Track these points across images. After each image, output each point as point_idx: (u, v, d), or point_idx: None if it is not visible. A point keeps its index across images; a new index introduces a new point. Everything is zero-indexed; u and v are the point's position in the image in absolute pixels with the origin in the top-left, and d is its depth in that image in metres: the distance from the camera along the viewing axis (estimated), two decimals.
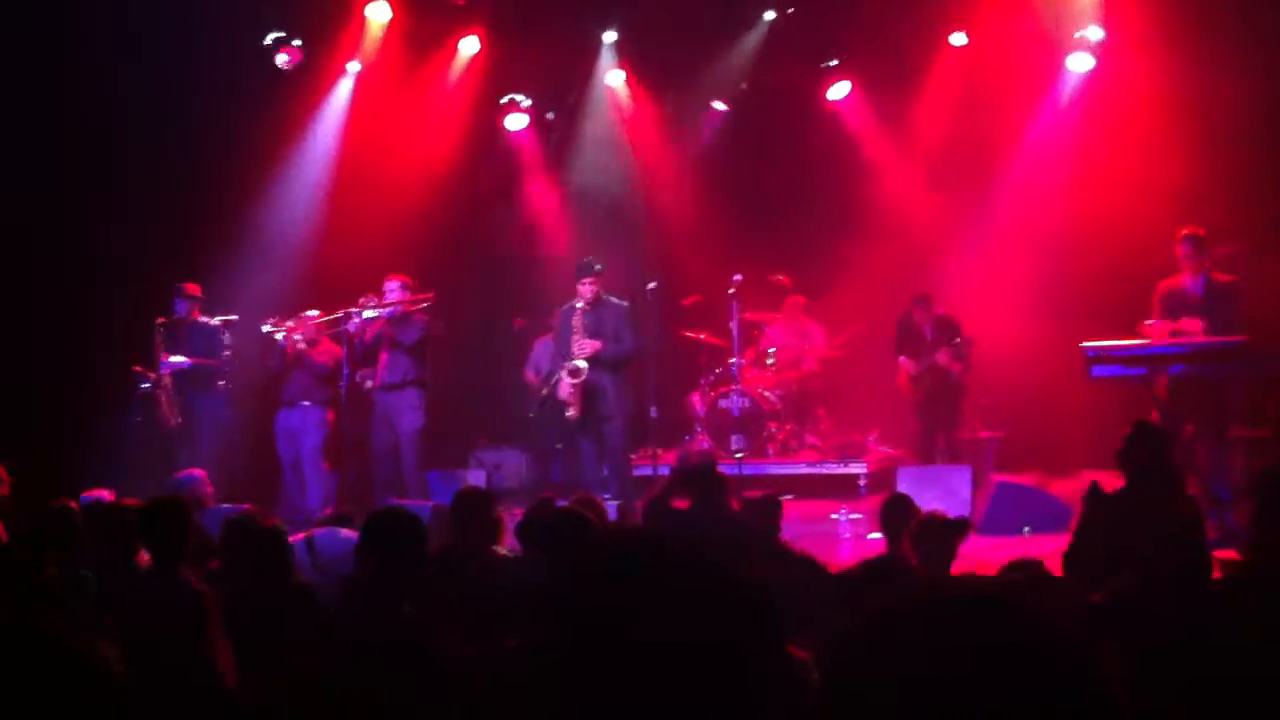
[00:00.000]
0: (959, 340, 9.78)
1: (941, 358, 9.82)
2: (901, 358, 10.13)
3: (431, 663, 3.54)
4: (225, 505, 7.38)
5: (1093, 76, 10.74)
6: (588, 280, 9.05)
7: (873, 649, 1.49)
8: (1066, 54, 10.81)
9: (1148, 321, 8.02)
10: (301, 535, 6.16)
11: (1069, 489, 8.71)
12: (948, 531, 4.93)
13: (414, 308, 9.36)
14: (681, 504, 6.08)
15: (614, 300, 9.20)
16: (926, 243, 11.25)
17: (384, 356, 9.36)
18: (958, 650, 1.40)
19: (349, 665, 3.33)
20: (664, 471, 8.77)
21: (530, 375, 11.28)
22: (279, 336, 9.20)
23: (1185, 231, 8.13)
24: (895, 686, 1.41)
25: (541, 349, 11.20)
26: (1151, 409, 7.61)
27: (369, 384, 9.49)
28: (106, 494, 6.58)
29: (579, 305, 9.08)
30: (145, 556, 4.81)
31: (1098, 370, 7.72)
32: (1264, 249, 8.78)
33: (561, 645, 1.43)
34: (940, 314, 10.07)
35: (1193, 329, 7.82)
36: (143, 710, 3.24)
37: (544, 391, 9.79)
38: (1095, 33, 10.59)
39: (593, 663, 1.40)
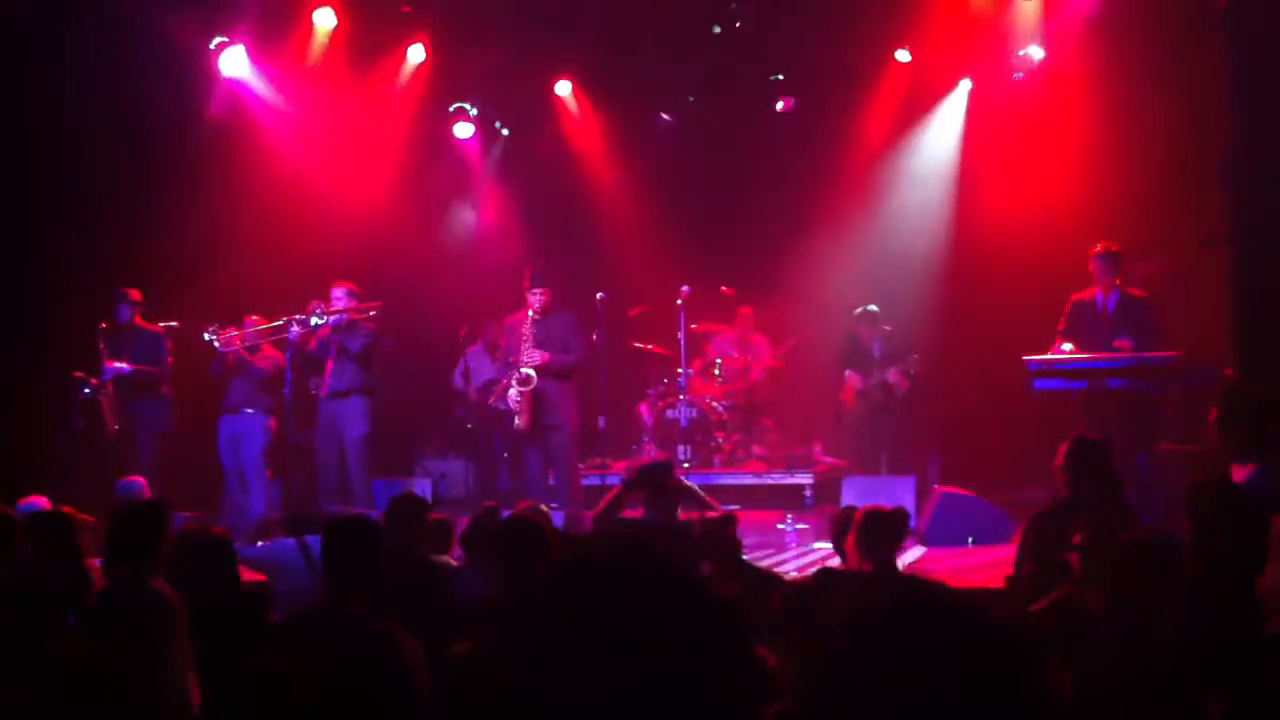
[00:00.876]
0: (913, 359, 9.87)
1: (891, 376, 9.89)
2: (848, 372, 10.19)
3: (395, 667, 3.52)
4: None
5: (1033, 94, 10.92)
6: (539, 290, 9.03)
7: (842, 656, 1.52)
8: (1007, 73, 10.99)
9: (1065, 346, 8.13)
10: (293, 540, 6.16)
11: (1009, 500, 8.84)
12: (892, 524, 4.90)
13: (361, 315, 9.31)
14: (632, 513, 6.09)
15: (564, 309, 9.21)
16: (869, 255, 11.38)
17: (330, 364, 9.30)
18: (924, 658, 1.43)
19: (313, 670, 3.31)
20: (612, 481, 8.79)
21: (458, 381, 11.26)
22: (218, 345, 9.12)
23: (1098, 247, 8.28)
24: (863, 693, 1.45)
25: (472, 357, 11.20)
26: (1084, 423, 7.73)
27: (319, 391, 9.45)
28: (43, 500, 6.48)
29: (530, 314, 9.07)
30: (93, 563, 4.77)
31: (1040, 384, 7.84)
32: (1191, 269, 8.96)
33: (540, 648, 1.44)
34: (887, 330, 10.15)
35: (1124, 346, 7.97)
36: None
37: (490, 399, 9.76)
38: (1036, 52, 10.78)
39: (572, 665, 1.42)
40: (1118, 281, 8.24)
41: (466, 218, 12.74)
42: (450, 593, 4.91)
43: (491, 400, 10.37)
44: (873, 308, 10.18)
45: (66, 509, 5.18)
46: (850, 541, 4.87)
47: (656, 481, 5.87)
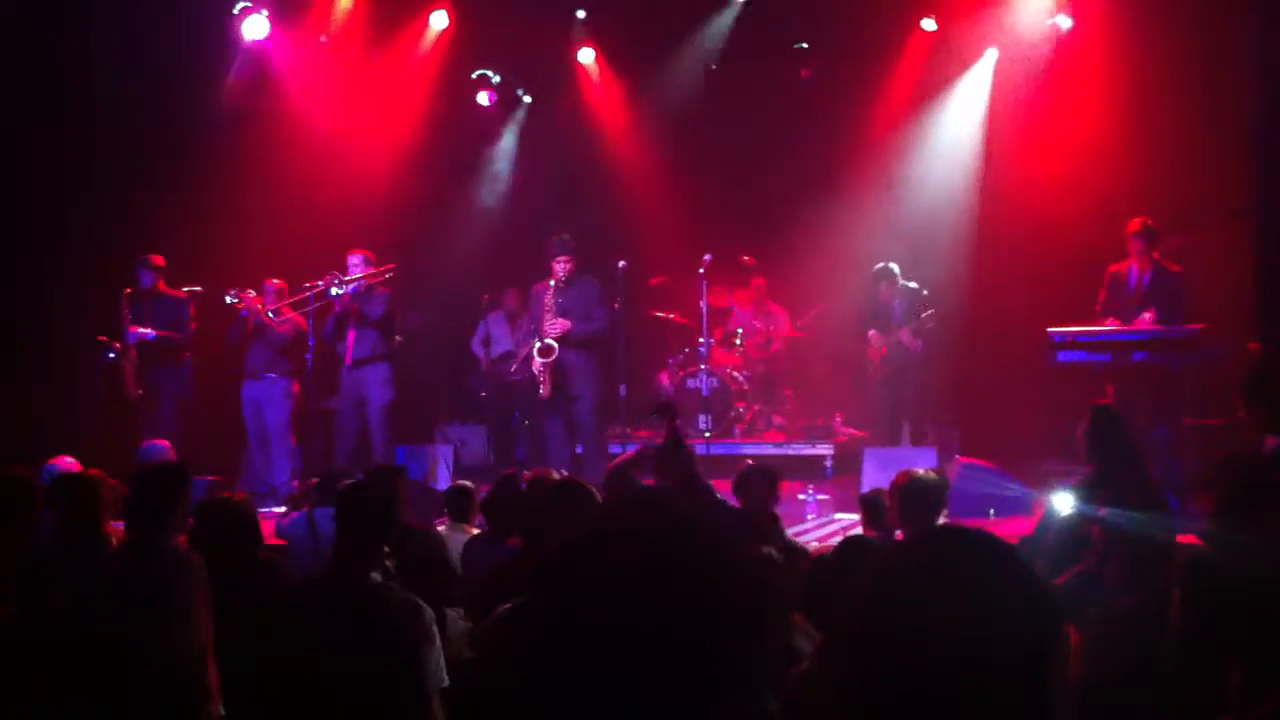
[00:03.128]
0: (923, 316, 9.59)
1: (904, 337, 9.62)
2: (871, 331, 9.83)
3: (400, 633, 3.55)
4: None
5: (1059, 64, 10.82)
6: (562, 258, 8.97)
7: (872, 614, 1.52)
8: (1034, 41, 10.89)
9: (1103, 316, 8.11)
10: (298, 513, 6.15)
11: (1031, 472, 8.80)
12: (933, 487, 4.90)
13: (377, 280, 9.32)
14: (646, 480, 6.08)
15: (587, 278, 9.14)
16: (892, 225, 11.31)
17: (351, 333, 9.31)
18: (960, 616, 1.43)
19: (325, 635, 3.34)
20: (633, 449, 8.79)
21: (477, 348, 11.29)
22: (240, 306, 9.15)
23: (1135, 222, 8.25)
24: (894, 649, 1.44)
25: (493, 324, 11.23)
26: (1109, 395, 7.71)
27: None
28: (71, 461, 6.52)
29: (551, 283, 9.04)
30: (114, 527, 4.79)
31: (1063, 355, 7.81)
32: (1215, 241, 8.91)
33: (559, 611, 1.44)
34: (911, 287, 9.79)
35: (1148, 319, 7.94)
36: (116, 683, 3.22)
37: (512, 370, 9.77)
38: (1064, 21, 10.68)
39: (585, 630, 1.41)
40: (1155, 255, 8.21)
41: (488, 185, 12.71)
42: (439, 560, 4.87)
43: (513, 370, 10.37)
44: (893, 266, 9.88)
45: (95, 471, 5.20)
46: (891, 509, 4.87)
47: (673, 415, 5.90)
